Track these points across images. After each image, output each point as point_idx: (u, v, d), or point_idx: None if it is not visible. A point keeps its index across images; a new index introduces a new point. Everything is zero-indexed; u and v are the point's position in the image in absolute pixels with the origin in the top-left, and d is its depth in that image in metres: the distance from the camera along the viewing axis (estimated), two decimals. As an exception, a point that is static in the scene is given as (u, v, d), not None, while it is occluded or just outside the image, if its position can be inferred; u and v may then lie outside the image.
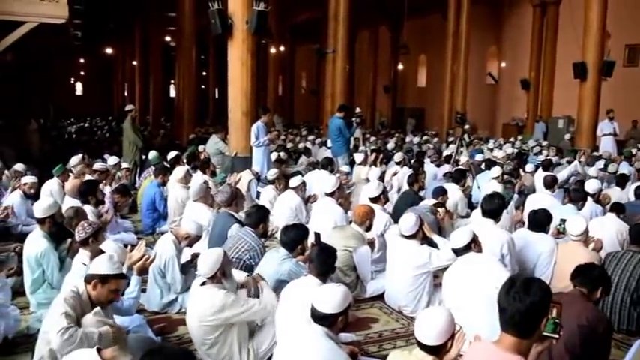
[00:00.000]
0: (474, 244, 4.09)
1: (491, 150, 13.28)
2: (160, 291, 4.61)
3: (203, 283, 3.61)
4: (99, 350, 2.42)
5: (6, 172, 7.90)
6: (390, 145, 13.47)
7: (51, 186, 7.34)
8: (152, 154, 9.48)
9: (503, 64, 21.40)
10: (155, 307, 4.63)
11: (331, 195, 6.16)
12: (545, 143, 14.60)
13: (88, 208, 5.50)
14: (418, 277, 4.67)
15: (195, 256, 4.77)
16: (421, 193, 7.23)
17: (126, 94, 29.02)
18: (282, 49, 24.29)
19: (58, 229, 4.56)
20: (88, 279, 3.14)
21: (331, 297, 2.88)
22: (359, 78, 25.71)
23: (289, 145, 13.60)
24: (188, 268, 4.73)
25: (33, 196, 6.92)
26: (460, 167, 8.94)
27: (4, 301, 3.84)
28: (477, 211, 5.76)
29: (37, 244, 4.36)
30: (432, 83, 23.65)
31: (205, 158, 9.03)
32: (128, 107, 11.38)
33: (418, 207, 6.11)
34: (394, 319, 4.76)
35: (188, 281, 4.64)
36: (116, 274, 3.18)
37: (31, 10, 9.19)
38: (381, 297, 5.06)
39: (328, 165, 8.72)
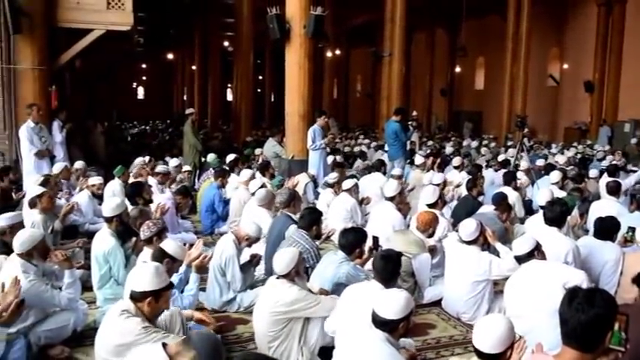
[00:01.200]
0: (537, 252, 3.98)
1: (554, 155, 12.88)
2: (220, 289, 4.69)
3: (277, 278, 3.71)
4: (164, 345, 2.50)
5: (73, 171, 8.25)
6: (448, 149, 13.26)
7: (113, 186, 7.62)
8: (211, 157, 9.69)
9: (565, 66, 20.69)
10: (214, 305, 4.72)
11: (391, 199, 6.11)
12: (607, 147, 14.04)
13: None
14: (477, 283, 4.59)
15: (254, 256, 4.86)
16: (480, 199, 7.09)
17: (185, 97, 29.80)
18: (337, 52, 24.35)
19: (124, 227, 4.73)
20: (140, 297, 3.03)
21: (393, 302, 2.87)
22: (415, 81, 25.47)
23: (345, 149, 13.61)
24: (247, 269, 4.82)
25: (99, 196, 7.24)
26: (511, 170, 8.74)
27: (75, 295, 4.00)
28: (537, 217, 5.60)
29: (104, 242, 4.53)
30: (490, 86, 23.15)
31: (265, 161, 9.15)
32: (188, 111, 11.69)
33: (486, 213, 6.00)
34: (452, 325, 4.69)
35: (247, 281, 4.72)
36: (167, 285, 3.15)
37: (99, 18, 9.57)
38: (438, 303, 4.99)
39: (381, 167, 8.68)
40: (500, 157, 10.90)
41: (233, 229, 5.24)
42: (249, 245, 4.83)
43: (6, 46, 9.00)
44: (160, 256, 3.79)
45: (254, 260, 4.88)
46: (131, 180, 7.37)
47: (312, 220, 4.83)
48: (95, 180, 7.25)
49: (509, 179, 7.62)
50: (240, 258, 4.80)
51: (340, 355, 3.00)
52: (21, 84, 9.12)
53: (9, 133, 9.05)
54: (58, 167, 7.81)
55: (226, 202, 7.27)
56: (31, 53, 9.10)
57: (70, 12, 9.46)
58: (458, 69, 24.66)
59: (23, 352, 3.61)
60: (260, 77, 29.73)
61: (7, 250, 4.22)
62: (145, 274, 3.05)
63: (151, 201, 5.97)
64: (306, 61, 9.09)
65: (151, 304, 3.02)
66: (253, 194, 6.48)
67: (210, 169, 9.15)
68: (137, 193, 5.89)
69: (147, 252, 4.17)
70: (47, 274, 4.15)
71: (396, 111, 10.47)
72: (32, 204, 5.43)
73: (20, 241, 3.90)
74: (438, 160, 9.69)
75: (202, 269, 4.04)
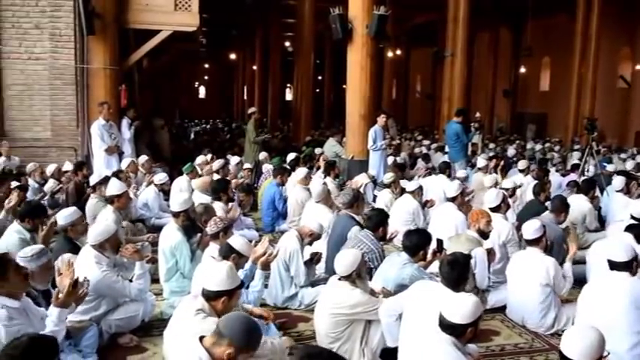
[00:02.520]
0: (635, 263, 3.79)
1: (624, 160, 12.30)
2: (282, 285, 4.75)
3: (339, 279, 3.70)
4: (201, 339, 2.56)
5: (140, 167, 8.53)
6: (511, 152, 12.91)
7: (180, 182, 7.85)
8: (263, 155, 9.85)
9: (637, 67, 19.72)
10: (276, 301, 4.78)
11: (452, 200, 6.01)
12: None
13: (219, 205, 5.81)
14: (543, 288, 4.45)
15: (314, 254, 4.89)
16: (547, 204, 6.84)
17: (245, 97, 30.28)
18: (398, 52, 24.15)
19: (191, 223, 4.86)
20: (214, 297, 3.09)
21: (462, 307, 2.81)
22: (477, 82, 24.90)
23: (405, 150, 13.48)
24: (309, 266, 4.86)
25: (164, 192, 7.48)
26: (588, 177, 8.37)
27: (144, 287, 4.15)
28: (617, 225, 5.37)
29: (171, 237, 4.67)
30: (556, 87, 22.33)
31: (331, 160, 9.14)
32: (250, 110, 11.90)
33: (542, 217, 5.81)
34: (517, 333, 4.56)
35: (310, 276, 4.76)
36: (240, 284, 3.21)
37: (167, 19, 9.87)
38: (502, 309, 4.86)
39: (446, 169, 8.54)
40: (570, 162, 10.52)
41: (296, 227, 5.29)
42: (311, 243, 4.86)
43: (80, 46, 9.41)
44: (228, 251, 3.87)
45: (315, 258, 4.92)
46: (204, 177, 7.56)
47: (379, 221, 4.81)
48: (161, 177, 7.49)
49: (588, 188, 7.20)
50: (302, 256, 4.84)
51: (406, 356, 2.95)
52: (93, 83, 9.52)
53: (81, 130, 9.45)
54: (125, 162, 8.10)
55: (286, 200, 7.35)
56: (102, 53, 9.49)
57: (140, 13, 9.80)
58: (522, 69, 23.94)
59: (95, 339, 3.77)
60: (319, 77, 29.83)
61: (73, 246, 4.41)
62: (219, 274, 3.09)
63: (232, 199, 6.09)
64: (368, 61, 9.06)
65: (224, 303, 3.07)
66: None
67: (269, 167, 9.27)
68: (223, 189, 6.05)
69: (213, 247, 4.27)
70: (118, 266, 4.30)
71: (458, 112, 10.30)
72: (110, 201, 5.63)
73: (95, 233, 4.07)
74: (502, 163, 9.43)
75: (267, 267, 4.09)
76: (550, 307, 4.49)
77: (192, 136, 20.77)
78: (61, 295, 3.25)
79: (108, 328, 4.01)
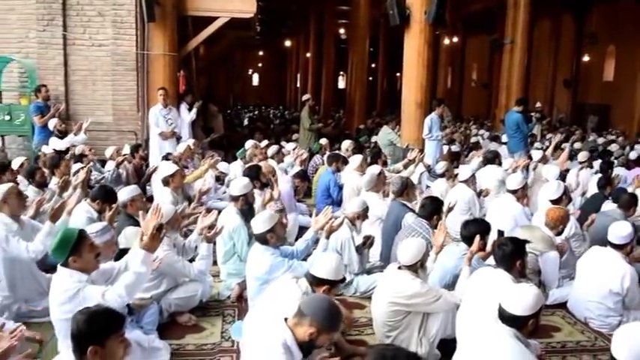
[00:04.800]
0: None
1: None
2: (336, 273, 4.74)
3: (399, 267, 3.67)
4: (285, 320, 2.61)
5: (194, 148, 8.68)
6: (577, 144, 12.42)
7: (235, 167, 7.96)
8: (323, 141, 9.82)
9: None
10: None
11: (513, 192, 5.84)
12: None
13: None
14: (614, 295, 4.26)
15: (367, 238, 4.87)
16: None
17: (298, 85, 30.37)
18: (455, 40, 23.65)
19: (249, 207, 4.92)
20: (317, 283, 3.18)
21: (522, 298, 2.73)
22: (536, 70, 24.06)
23: (460, 139, 13.23)
24: (361, 250, 4.84)
25: (218, 177, 7.64)
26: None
27: (205, 268, 4.23)
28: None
29: (230, 220, 4.73)
30: (621, 77, 21.30)
31: (377, 149, 9.10)
32: (305, 97, 11.91)
33: (609, 212, 5.59)
34: (579, 330, 4.41)
35: (363, 263, 4.74)
36: (342, 279, 3.28)
37: (225, 6, 10.00)
38: (563, 305, 4.71)
39: (495, 158, 8.30)
40: (632, 155, 10.04)
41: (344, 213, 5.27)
42: (360, 218, 4.87)
43: (141, 33, 9.66)
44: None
45: (367, 242, 4.89)
46: (262, 162, 7.63)
47: (433, 209, 4.74)
48: (224, 166, 7.69)
49: None
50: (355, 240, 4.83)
51: (465, 348, 2.89)
52: (153, 68, 9.76)
53: (141, 114, 9.72)
54: (181, 147, 8.25)
55: (341, 188, 7.32)
56: (162, 40, 9.70)
57: (198, 0, 9.95)
58: (585, 58, 22.99)
59: (156, 316, 3.89)
60: (373, 65, 29.56)
61: (134, 221, 4.54)
62: (329, 264, 3.18)
63: (265, 185, 6.15)
64: (426, 48, 8.88)
65: (325, 292, 3.12)
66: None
67: (318, 155, 9.28)
68: (255, 175, 6.09)
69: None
70: (177, 247, 4.40)
71: (518, 101, 9.99)
72: (165, 182, 5.78)
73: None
74: (563, 155, 9.10)
75: (332, 233, 4.24)
76: (617, 311, 4.31)
77: (245, 122, 21.01)
78: (145, 239, 3.37)
79: (168, 306, 4.12)
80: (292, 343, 2.56)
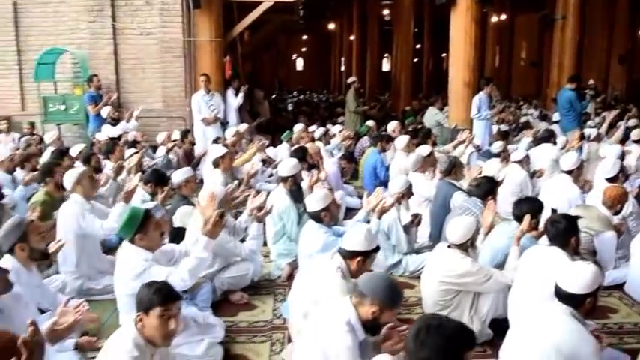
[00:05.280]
0: None
1: None
2: (384, 253, 4.73)
3: (449, 246, 3.64)
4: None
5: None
6: (632, 122, 11.93)
7: (282, 150, 8.02)
8: (370, 123, 9.77)
9: None
10: (380, 268, 4.77)
11: (569, 173, 5.67)
12: None
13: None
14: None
15: (415, 216, 4.85)
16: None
17: (342, 68, 30.20)
18: (502, 17, 22.97)
19: (298, 188, 4.97)
20: (349, 256, 3.14)
21: (579, 276, 2.67)
22: (589, 47, 23.13)
23: (508, 119, 12.92)
24: (409, 230, 4.82)
25: (264, 160, 7.73)
26: None
27: (256, 248, 4.32)
28: None
29: (279, 201, 4.79)
30: (681, 51, 20.34)
31: (427, 129, 8.97)
32: (350, 79, 11.85)
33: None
34: (636, 311, 4.27)
35: (411, 242, 4.72)
36: (377, 247, 3.22)
37: (267, -10, 10.02)
38: (620, 286, 4.57)
39: (550, 137, 8.07)
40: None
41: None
42: (405, 197, 4.88)
43: (187, 20, 9.80)
44: None
45: (415, 220, 4.87)
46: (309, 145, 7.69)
47: (488, 189, 4.66)
48: (272, 152, 7.77)
49: None
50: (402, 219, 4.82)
51: (520, 326, 2.84)
52: (199, 55, 9.90)
53: (189, 100, 9.89)
54: (230, 132, 8.37)
55: (388, 168, 7.28)
56: (208, 26, 9.82)
57: (243, -14, 10.02)
58: (642, 32, 21.97)
59: (209, 294, 3.99)
60: (418, 46, 29.07)
61: (187, 202, 4.70)
62: (357, 235, 3.15)
63: (313, 166, 6.18)
64: (473, 26, 8.71)
65: (359, 264, 3.12)
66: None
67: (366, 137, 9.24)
68: (302, 157, 6.15)
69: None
70: (228, 227, 4.49)
71: (571, 78, 9.63)
72: (215, 164, 5.92)
73: (205, 195, 4.26)
74: (618, 132, 8.78)
75: (384, 213, 4.26)
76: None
77: (290, 107, 21.09)
78: (208, 226, 3.50)
79: (220, 285, 4.22)
80: (356, 321, 2.57)
